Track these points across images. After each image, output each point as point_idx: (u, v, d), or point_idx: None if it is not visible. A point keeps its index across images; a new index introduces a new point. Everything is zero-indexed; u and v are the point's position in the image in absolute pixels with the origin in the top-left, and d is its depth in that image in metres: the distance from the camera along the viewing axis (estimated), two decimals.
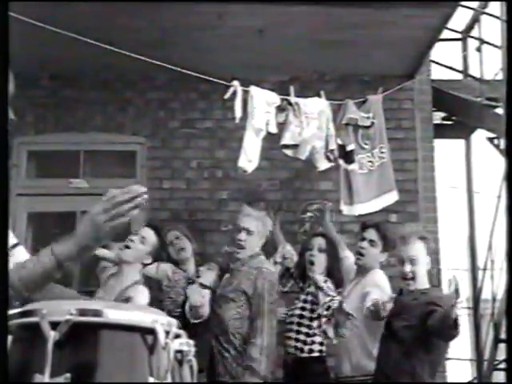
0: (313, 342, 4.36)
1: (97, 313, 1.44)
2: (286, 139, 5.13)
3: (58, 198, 6.28)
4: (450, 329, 3.49)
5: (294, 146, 5.18)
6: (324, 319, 4.12)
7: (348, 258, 4.81)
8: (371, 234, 4.49)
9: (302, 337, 4.39)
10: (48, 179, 6.44)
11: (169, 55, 5.24)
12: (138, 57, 4.82)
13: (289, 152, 5.21)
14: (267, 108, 5.08)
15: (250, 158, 4.98)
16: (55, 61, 5.99)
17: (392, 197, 5.53)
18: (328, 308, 3.97)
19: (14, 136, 6.03)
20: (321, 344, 4.39)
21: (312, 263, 4.51)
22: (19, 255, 1.96)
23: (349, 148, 5.35)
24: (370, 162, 5.49)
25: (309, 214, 5.77)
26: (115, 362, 1.47)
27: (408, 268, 3.92)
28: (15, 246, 1.99)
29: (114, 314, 1.46)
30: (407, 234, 3.99)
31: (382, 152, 5.53)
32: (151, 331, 1.49)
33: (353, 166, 5.37)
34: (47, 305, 1.48)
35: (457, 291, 3.32)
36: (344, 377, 4.35)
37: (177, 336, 1.56)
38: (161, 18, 5.47)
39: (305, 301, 4.47)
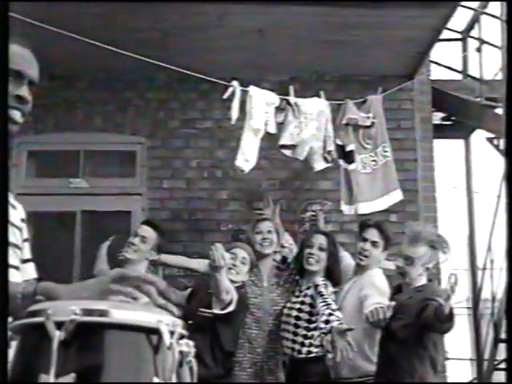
0: (310, 344, 4.34)
1: (102, 313, 1.44)
2: (284, 139, 5.14)
3: (58, 197, 6.28)
4: (445, 321, 3.51)
5: (293, 147, 5.19)
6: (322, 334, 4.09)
7: (345, 257, 4.81)
8: (373, 234, 4.48)
9: (299, 339, 4.37)
10: (48, 179, 6.44)
11: (169, 55, 5.25)
12: (137, 57, 4.83)
13: (287, 152, 5.22)
14: (266, 108, 5.09)
15: (247, 157, 4.98)
16: (55, 61, 5.98)
17: (397, 195, 5.54)
18: (327, 322, 3.94)
19: (13, 136, 6.02)
20: (319, 346, 4.36)
21: (311, 261, 4.49)
22: (29, 272, 1.96)
23: (348, 148, 5.36)
24: (374, 161, 5.50)
25: (308, 214, 5.79)
26: (120, 361, 1.47)
27: (402, 264, 3.99)
28: (27, 261, 1.99)
29: (119, 313, 1.46)
30: (416, 236, 4.01)
31: (386, 151, 5.54)
32: (156, 331, 1.49)
33: (353, 166, 5.38)
34: (52, 305, 1.48)
35: (453, 285, 3.34)
36: (341, 378, 4.35)
37: (181, 336, 1.55)
38: (161, 19, 5.47)
39: (302, 302, 4.44)
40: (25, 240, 1.99)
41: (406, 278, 4.05)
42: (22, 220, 2.00)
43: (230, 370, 4.38)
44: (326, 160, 5.31)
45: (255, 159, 5.03)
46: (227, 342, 4.28)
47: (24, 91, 1.85)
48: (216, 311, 4.10)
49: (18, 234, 1.94)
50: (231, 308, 4.11)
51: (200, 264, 4.72)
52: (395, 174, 5.57)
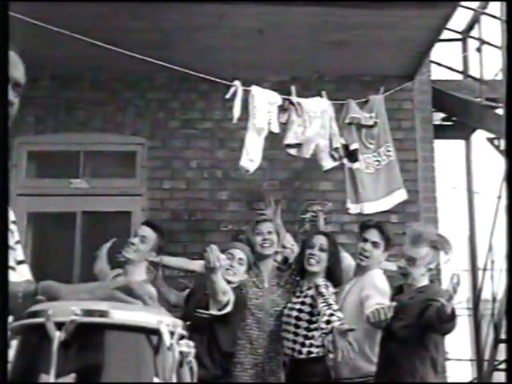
0: (311, 345, 4.34)
1: (102, 313, 1.44)
2: (289, 139, 5.12)
3: (58, 198, 6.27)
4: (447, 321, 3.50)
5: (298, 145, 5.17)
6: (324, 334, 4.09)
7: (345, 258, 4.81)
8: (373, 234, 4.47)
9: (300, 339, 4.37)
10: (48, 179, 6.43)
11: (169, 55, 5.24)
12: (138, 57, 4.82)
13: (292, 151, 5.20)
14: (269, 107, 5.08)
15: (251, 157, 4.97)
16: (55, 61, 5.99)
17: (401, 195, 5.53)
18: (328, 322, 3.93)
19: (14, 136, 6.02)
20: (320, 346, 4.36)
21: (312, 262, 4.49)
22: (22, 273, 1.96)
23: (352, 147, 5.35)
24: (377, 161, 5.49)
25: (309, 215, 5.78)
26: (120, 362, 1.47)
27: (404, 265, 3.99)
28: (21, 262, 1.99)
29: (120, 314, 1.46)
30: (417, 237, 4.01)
31: (389, 151, 5.53)
32: (156, 332, 1.48)
33: (357, 165, 5.36)
34: (53, 305, 1.48)
35: (455, 286, 3.34)
36: (341, 378, 4.34)
37: (182, 337, 1.55)
38: (161, 19, 5.47)
39: (303, 303, 4.44)
40: (17, 242, 1.99)
41: (408, 279, 4.04)
42: (13, 222, 2.00)
43: (228, 370, 4.37)
44: (333, 158, 5.29)
45: (259, 159, 5.03)
46: (225, 343, 4.27)
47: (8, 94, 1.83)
48: (213, 312, 4.10)
49: (10, 236, 1.94)
50: (228, 309, 4.10)
51: (200, 265, 4.72)
52: (399, 173, 5.57)
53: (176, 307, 4.52)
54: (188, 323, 1.72)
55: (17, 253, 1.97)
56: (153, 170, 6.33)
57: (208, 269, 3.99)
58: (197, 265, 4.82)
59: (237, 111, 4.87)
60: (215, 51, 5.84)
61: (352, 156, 5.36)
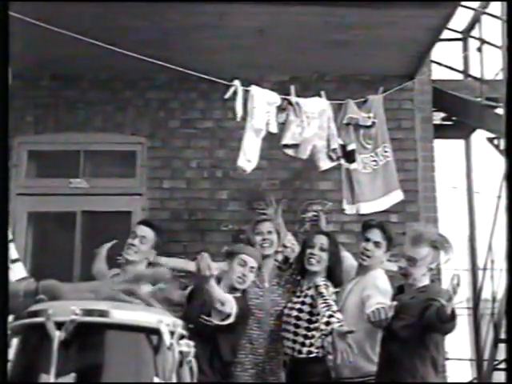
0: (311, 345, 4.34)
1: (102, 313, 1.44)
2: (287, 139, 5.12)
3: (58, 197, 6.27)
4: (447, 321, 3.51)
5: (295, 146, 5.17)
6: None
7: (347, 257, 4.80)
8: (375, 234, 4.47)
9: (300, 339, 4.36)
10: (48, 179, 6.43)
11: (169, 55, 5.24)
12: (138, 57, 4.82)
13: (290, 152, 5.20)
14: (267, 108, 5.07)
15: (249, 157, 4.96)
16: (55, 61, 5.98)
17: (397, 196, 5.54)
18: (327, 323, 3.93)
19: (13, 136, 6.02)
20: (320, 346, 4.35)
21: (312, 262, 4.48)
22: (17, 272, 1.96)
23: (349, 148, 5.35)
24: (374, 161, 5.49)
25: (309, 214, 5.78)
26: (120, 361, 1.47)
27: (404, 265, 3.99)
28: (16, 261, 1.99)
29: (120, 314, 1.46)
30: (418, 237, 4.00)
31: (386, 151, 5.53)
32: (156, 331, 1.48)
33: (354, 166, 5.37)
34: (53, 305, 1.48)
35: (455, 286, 3.34)
36: (342, 378, 4.34)
37: (182, 336, 1.55)
38: (161, 18, 5.47)
39: (302, 302, 4.43)
40: (9, 241, 2.00)
41: (408, 279, 4.04)
42: None
43: (228, 376, 4.35)
44: (331, 159, 5.29)
45: (257, 159, 5.02)
46: (226, 353, 4.23)
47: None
48: (215, 321, 4.05)
49: None
50: (230, 320, 4.06)
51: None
52: (396, 174, 5.57)
53: (178, 306, 4.50)
54: (191, 326, 1.72)
55: (10, 252, 1.98)
56: (153, 169, 6.32)
57: (200, 277, 3.94)
58: (194, 265, 4.81)
59: (239, 109, 4.86)
60: (215, 51, 5.84)
61: (349, 157, 5.36)
